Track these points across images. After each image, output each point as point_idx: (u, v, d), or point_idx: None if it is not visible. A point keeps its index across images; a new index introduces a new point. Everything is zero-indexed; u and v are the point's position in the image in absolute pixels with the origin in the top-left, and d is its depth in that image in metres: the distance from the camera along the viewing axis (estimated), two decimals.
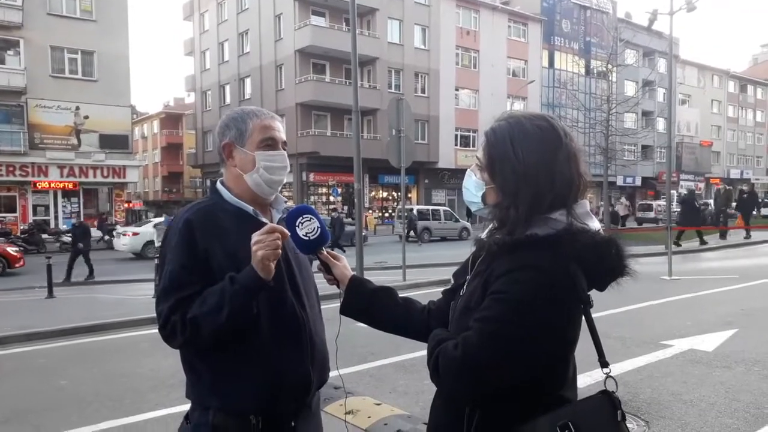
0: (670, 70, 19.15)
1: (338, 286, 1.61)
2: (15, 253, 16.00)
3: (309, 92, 31.68)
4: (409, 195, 35.24)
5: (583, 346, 1.30)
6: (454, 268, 1.51)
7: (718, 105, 58.84)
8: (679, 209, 19.07)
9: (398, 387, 4.72)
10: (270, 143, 1.67)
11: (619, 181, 44.45)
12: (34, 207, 26.11)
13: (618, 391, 1.24)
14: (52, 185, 26.16)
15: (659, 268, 11.26)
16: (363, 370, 5.16)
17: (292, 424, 1.65)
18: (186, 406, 1.68)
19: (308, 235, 1.58)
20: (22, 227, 24.56)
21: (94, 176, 26.98)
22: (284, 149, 1.72)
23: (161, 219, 21.24)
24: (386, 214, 36.41)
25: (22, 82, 24.73)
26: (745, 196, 20.50)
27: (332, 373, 1.79)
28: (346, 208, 32.84)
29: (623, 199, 34.90)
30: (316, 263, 1.68)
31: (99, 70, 26.68)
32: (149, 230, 19.93)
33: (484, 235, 1.34)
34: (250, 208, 1.66)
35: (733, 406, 4.10)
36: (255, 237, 1.47)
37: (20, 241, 20.50)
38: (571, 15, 43.84)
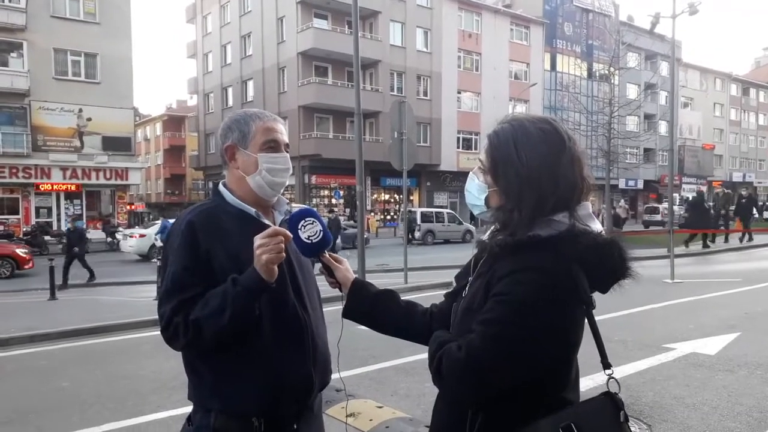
0: (673, 73, 19.16)
1: (340, 290, 1.61)
2: (24, 255, 16.13)
3: (311, 95, 31.73)
4: (411, 198, 35.23)
5: (585, 349, 1.30)
6: (457, 271, 1.51)
7: (721, 108, 58.76)
8: (688, 212, 19.06)
9: (400, 390, 4.72)
10: (272, 145, 1.67)
11: (621, 184, 44.40)
12: (37, 209, 26.16)
13: (620, 393, 1.24)
14: (55, 187, 26.22)
15: (661, 271, 11.24)
16: (364, 373, 5.15)
17: (295, 426, 1.64)
18: (188, 409, 1.68)
19: (311, 238, 1.59)
20: (24, 229, 24.63)
21: (97, 178, 27.03)
22: (287, 151, 1.72)
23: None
24: (388, 217, 36.44)
25: (26, 85, 24.81)
26: (743, 200, 20.49)
27: (333, 376, 1.79)
28: (348, 210, 32.87)
29: (622, 202, 34.90)
30: (318, 266, 1.68)
31: (102, 73, 26.76)
32: (155, 232, 20.02)
33: (485, 236, 1.34)
34: (252, 210, 1.66)
35: (736, 409, 4.08)
36: (258, 240, 1.47)
37: (23, 243, 20.56)
38: (573, 18, 43.87)
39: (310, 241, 1.58)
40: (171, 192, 58.56)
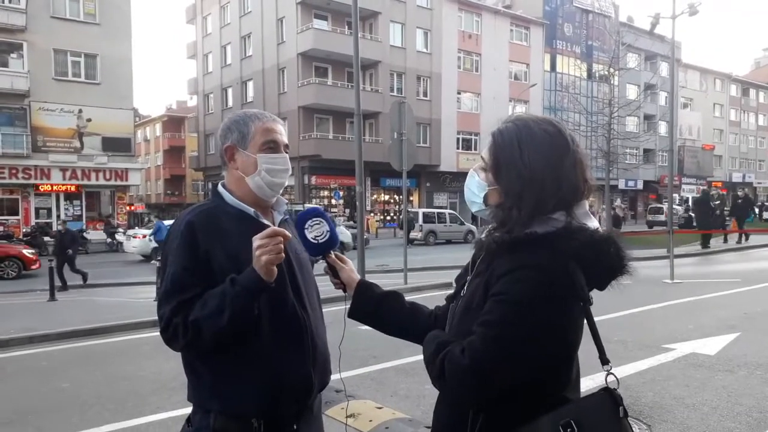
0: (672, 73, 19.17)
1: (344, 290, 1.62)
2: (31, 255, 16.23)
3: (311, 95, 31.74)
4: (411, 198, 35.24)
5: (584, 348, 1.30)
6: (457, 271, 1.51)
7: (721, 108, 58.78)
8: (694, 211, 19.07)
9: (399, 390, 4.72)
10: (272, 146, 1.67)
11: (621, 185, 44.42)
12: (37, 210, 26.14)
13: (619, 388, 1.24)
14: (55, 188, 26.21)
15: (661, 272, 11.24)
16: (364, 374, 5.15)
17: (294, 426, 1.64)
18: (188, 410, 1.68)
19: (317, 238, 1.59)
20: (24, 230, 24.62)
21: (97, 179, 27.01)
22: (286, 152, 1.72)
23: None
24: (388, 218, 36.44)
25: (26, 85, 24.81)
26: (739, 201, 20.52)
27: (335, 377, 1.79)
28: (347, 211, 32.86)
29: (618, 201, 34.91)
30: (322, 266, 1.68)
31: (102, 73, 26.76)
32: (150, 233, 20.05)
33: (483, 235, 1.34)
34: (251, 210, 1.66)
35: (736, 410, 4.08)
36: (257, 241, 1.47)
37: (22, 243, 20.57)
38: (573, 19, 43.87)
39: (316, 241, 1.59)
40: (171, 193, 58.57)
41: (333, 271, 1.62)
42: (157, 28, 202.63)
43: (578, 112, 26.10)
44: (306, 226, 1.59)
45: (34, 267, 15.93)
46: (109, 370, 5.90)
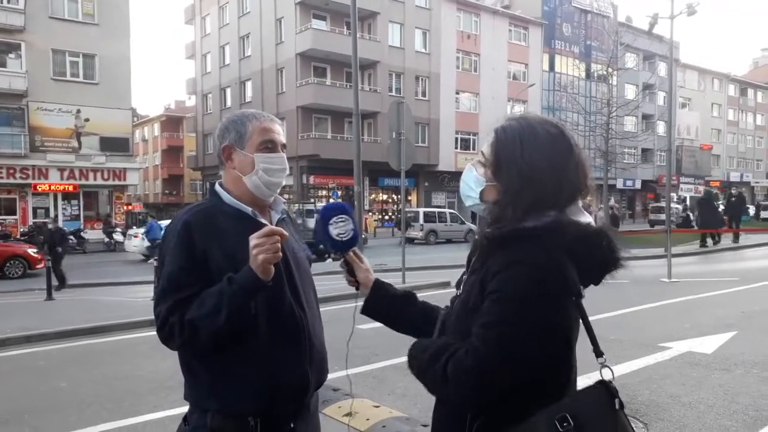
0: (671, 73, 19.20)
1: (357, 288, 1.63)
2: (35, 255, 16.27)
3: (310, 95, 31.73)
4: (409, 198, 35.25)
5: (579, 346, 1.30)
6: (455, 271, 1.52)
7: (719, 108, 58.86)
8: (699, 211, 19.09)
9: (397, 389, 4.72)
10: (269, 146, 1.67)
11: (619, 184, 44.46)
12: (34, 209, 26.09)
13: (614, 382, 1.24)
14: (53, 188, 26.18)
15: (658, 271, 11.26)
16: (362, 372, 5.16)
17: (291, 425, 1.64)
18: (185, 409, 1.68)
19: (341, 235, 1.60)
20: (22, 229, 24.57)
21: (95, 179, 26.99)
22: (283, 152, 1.72)
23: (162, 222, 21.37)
24: (386, 217, 36.44)
25: (24, 85, 24.77)
26: (733, 199, 20.58)
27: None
28: None
29: (612, 200, 34.92)
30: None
31: (100, 73, 26.72)
32: (143, 232, 20.16)
33: (476, 234, 1.35)
34: (249, 210, 1.66)
35: (732, 408, 4.09)
36: (254, 240, 1.47)
37: (21, 243, 20.53)
38: (571, 19, 43.91)
39: (339, 239, 1.60)
40: (169, 192, 58.50)
41: (349, 269, 1.63)
42: (156, 28, 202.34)
43: (577, 111, 26.16)
44: (331, 221, 1.59)
45: (38, 266, 15.91)
46: (107, 369, 5.89)
